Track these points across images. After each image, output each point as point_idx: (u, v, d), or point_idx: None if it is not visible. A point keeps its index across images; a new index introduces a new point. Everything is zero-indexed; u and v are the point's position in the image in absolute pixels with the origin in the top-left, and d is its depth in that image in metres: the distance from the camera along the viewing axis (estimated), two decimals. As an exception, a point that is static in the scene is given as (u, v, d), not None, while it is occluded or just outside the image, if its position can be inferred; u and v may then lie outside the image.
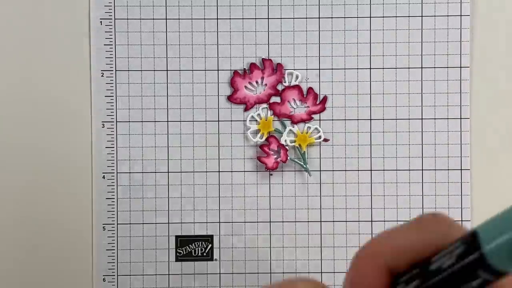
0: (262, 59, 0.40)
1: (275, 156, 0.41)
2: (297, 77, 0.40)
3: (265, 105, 0.40)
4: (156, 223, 0.40)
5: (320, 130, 0.40)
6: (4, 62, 0.41)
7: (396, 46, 0.41)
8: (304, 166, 0.40)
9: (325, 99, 0.40)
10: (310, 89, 0.40)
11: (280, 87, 0.40)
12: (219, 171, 0.41)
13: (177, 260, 0.41)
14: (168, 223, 0.40)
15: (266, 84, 0.40)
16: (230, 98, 0.41)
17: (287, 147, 0.40)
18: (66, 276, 0.40)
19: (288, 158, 0.40)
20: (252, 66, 0.40)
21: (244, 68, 0.40)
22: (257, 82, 0.40)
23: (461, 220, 0.40)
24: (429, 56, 0.41)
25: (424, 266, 0.22)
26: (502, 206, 0.18)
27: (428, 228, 0.23)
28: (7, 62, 0.41)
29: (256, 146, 0.41)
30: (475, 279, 0.20)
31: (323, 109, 0.40)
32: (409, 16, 0.41)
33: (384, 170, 0.41)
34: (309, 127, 0.40)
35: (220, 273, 0.41)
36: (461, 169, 0.41)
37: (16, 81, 0.41)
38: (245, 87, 0.40)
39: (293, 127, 0.40)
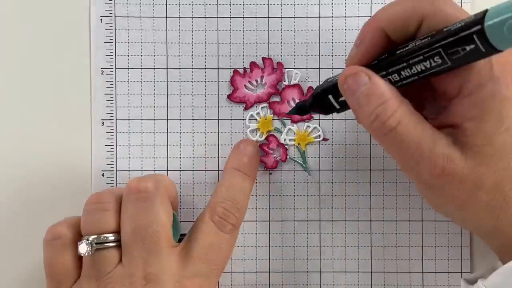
0: (262, 58, 0.40)
1: (275, 155, 0.41)
2: (297, 75, 0.40)
3: (265, 104, 0.40)
4: (155, 221, 0.40)
5: (319, 129, 0.40)
6: (3, 60, 0.41)
7: (397, 45, 0.41)
8: (304, 165, 0.40)
9: (325, 98, 0.40)
10: (310, 88, 0.40)
11: (280, 86, 0.40)
12: (218, 170, 0.41)
13: (175, 258, 0.40)
14: (167, 221, 0.40)
15: (266, 83, 0.40)
16: (230, 97, 0.41)
17: (286, 146, 0.40)
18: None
19: (288, 157, 0.40)
20: (252, 65, 0.40)
21: (244, 67, 0.40)
22: (256, 81, 0.40)
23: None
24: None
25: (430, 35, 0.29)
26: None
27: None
28: (6, 60, 0.41)
29: (256, 145, 0.40)
30: (469, 43, 0.27)
31: (323, 108, 0.40)
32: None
33: (383, 169, 0.41)
34: (308, 126, 0.40)
35: (218, 272, 0.41)
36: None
37: (15, 79, 0.41)
38: (245, 86, 0.40)
39: (293, 126, 0.40)
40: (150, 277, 0.34)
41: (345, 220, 0.41)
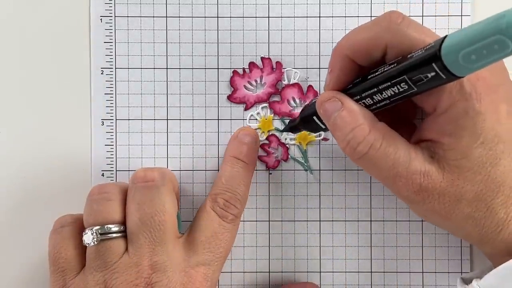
0: (261, 57, 0.40)
1: (276, 155, 0.40)
2: (296, 75, 0.40)
3: (265, 104, 0.40)
4: (155, 221, 0.40)
5: (320, 128, 0.40)
6: (3, 60, 0.41)
7: (397, 45, 0.41)
8: (305, 164, 0.40)
9: (325, 96, 0.40)
10: (310, 87, 0.40)
11: (279, 86, 0.40)
12: (218, 170, 0.41)
13: (175, 258, 0.40)
14: (167, 221, 0.40)
15: (265, 83, 0.40)
16: (230, 98, 0.40)
17: (287, 146, 0.40)
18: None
19: (289, 156, 0.40)
20: (251, 65, 0.40)
21: (243, 67, 0.40)
22: (256, 81, 0.40)
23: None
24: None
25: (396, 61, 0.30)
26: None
27: (380, 25, 0.31)
28: (6, 60, 0.41)
29: (256, 145, 0.40)
30: (430, 71, 0.27)
31: (323, 107, 0.40)
32: (409, 16, 0.40)
33: (383, 169, 0.41)
34: (309, 126, 0.40)
35: (218, 272, 0.41)
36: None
37: (15, 79, 0.41)
38: (245, 86, 0.40)
39: (293, 125, 0.40)
40: (156, 266, 0.34)
41: (345, 220, 0.41)
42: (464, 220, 0.32)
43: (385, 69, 0.30)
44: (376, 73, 0.31)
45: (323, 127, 0.35)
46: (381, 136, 0.31)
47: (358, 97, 0.32)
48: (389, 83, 0.30)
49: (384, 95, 0.31)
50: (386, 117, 0.33)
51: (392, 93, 0.30)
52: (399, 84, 0.29)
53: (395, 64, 0.30)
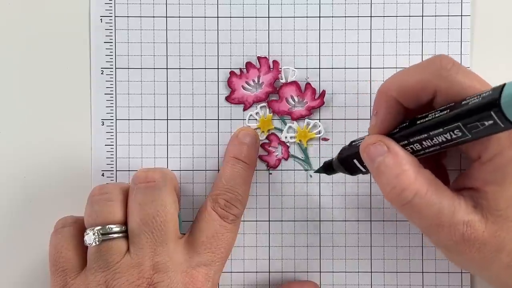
0: (258, 57, 0.40)
1: (277, 154, 0.40)
2: (293, 73, 0.40)
3: (263, 104, 0.40)
4: (154, 221, 0.40)
5: (320, 124, 0.40)
6: (4, 60, 0.41)
7: (397, 46, 0.41)
8: (306, 161, 0.40)
9: (323, 93, 0.40)
10: (308, 84, 0.40)
11: (277, 84, 0.40)
12: (218, 170, 0.41)
13: (175, 258, 0.40)
14: (167, 221, 0.40)
15: (263, 82, 0.40)
16: (228, 99, 0.41)
17: (288, 144, 0.40)
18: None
19: (290, 154, 0.40)
20: (248, 65, 0.40)
21: (240, 68, 0.40)
22: (254, 81, 0.40)
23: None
24: (429, 56, 0.40)
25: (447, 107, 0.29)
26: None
27: (430, 70, 0.30)
28: (6, 60, 0.41)
29: (256, 144, 0.40)
30: (488, 119, 0.26)
31: (322, 103, 0.40)
32: (409, 16, 0.40)
33: (383, 169, 0.40)
34: (308, 123, 0.40)
35: (218, 272, 0.41)
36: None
37: (15, 79, 0.41)
38: (242, 86, 0.40)
39: (293, 123, 0.40)
40: (158, 267, 0.34)
41: (345, 220, 0.41)
42: (504, 269, 0.31)
43: (437, 115, 0.29)
44: (426, 119, 0.30)
45: (364, 170, 0.34)
46: (426, 183, 0.31)
47: (406, 142, 0.31)
48: (441, 129, 0.29)
49: (435, 141, 0.30)
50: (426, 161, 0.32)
51: (444, 139, 0.29)
52: (452, 130, 0.28)
53: (448, 111, 0.29)
